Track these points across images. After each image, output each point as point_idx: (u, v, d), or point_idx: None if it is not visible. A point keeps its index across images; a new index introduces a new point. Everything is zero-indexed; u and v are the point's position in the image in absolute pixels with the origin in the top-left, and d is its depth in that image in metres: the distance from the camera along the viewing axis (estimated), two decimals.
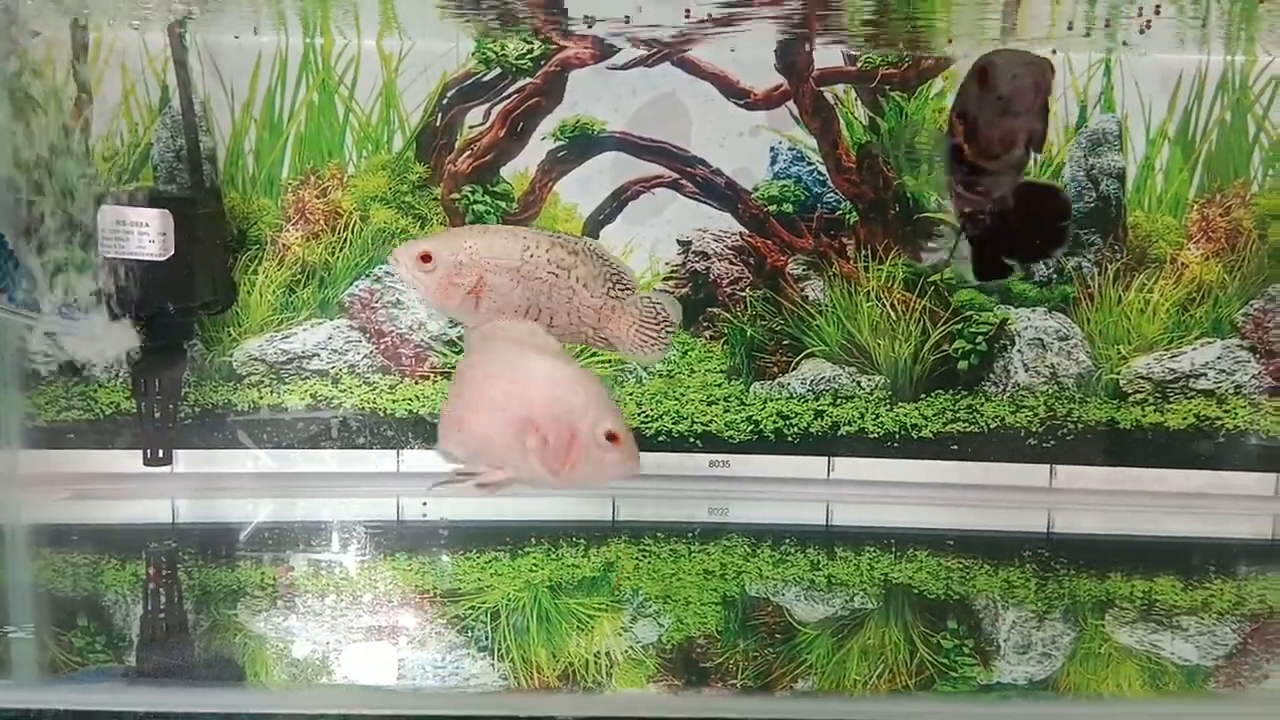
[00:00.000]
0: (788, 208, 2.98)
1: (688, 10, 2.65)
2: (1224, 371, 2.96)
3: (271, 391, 3.00)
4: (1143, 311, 2.96)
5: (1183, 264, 2.94)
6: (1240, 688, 2.02)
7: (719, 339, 3.00)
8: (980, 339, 2.97)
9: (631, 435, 1.75)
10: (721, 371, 3.00)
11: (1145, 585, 2.52)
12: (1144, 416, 2.97)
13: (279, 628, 2.20)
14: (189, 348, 2.92)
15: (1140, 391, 2.97)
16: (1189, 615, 2.32)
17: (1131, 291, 2.95)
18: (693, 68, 2.95)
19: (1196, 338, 2.96)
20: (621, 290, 2.12)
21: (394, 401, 3.01)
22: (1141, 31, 2.71)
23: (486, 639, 2.17)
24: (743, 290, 2.99)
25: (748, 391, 3.00)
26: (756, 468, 3.00)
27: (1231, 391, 2.96)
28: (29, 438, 2.95)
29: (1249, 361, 2.95)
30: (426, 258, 2.06)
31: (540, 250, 2.08)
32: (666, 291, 2.94)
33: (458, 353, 2.99)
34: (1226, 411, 2.96)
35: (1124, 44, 2.84)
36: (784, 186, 2.98)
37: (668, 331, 2.15)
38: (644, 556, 2.63)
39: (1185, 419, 2.97)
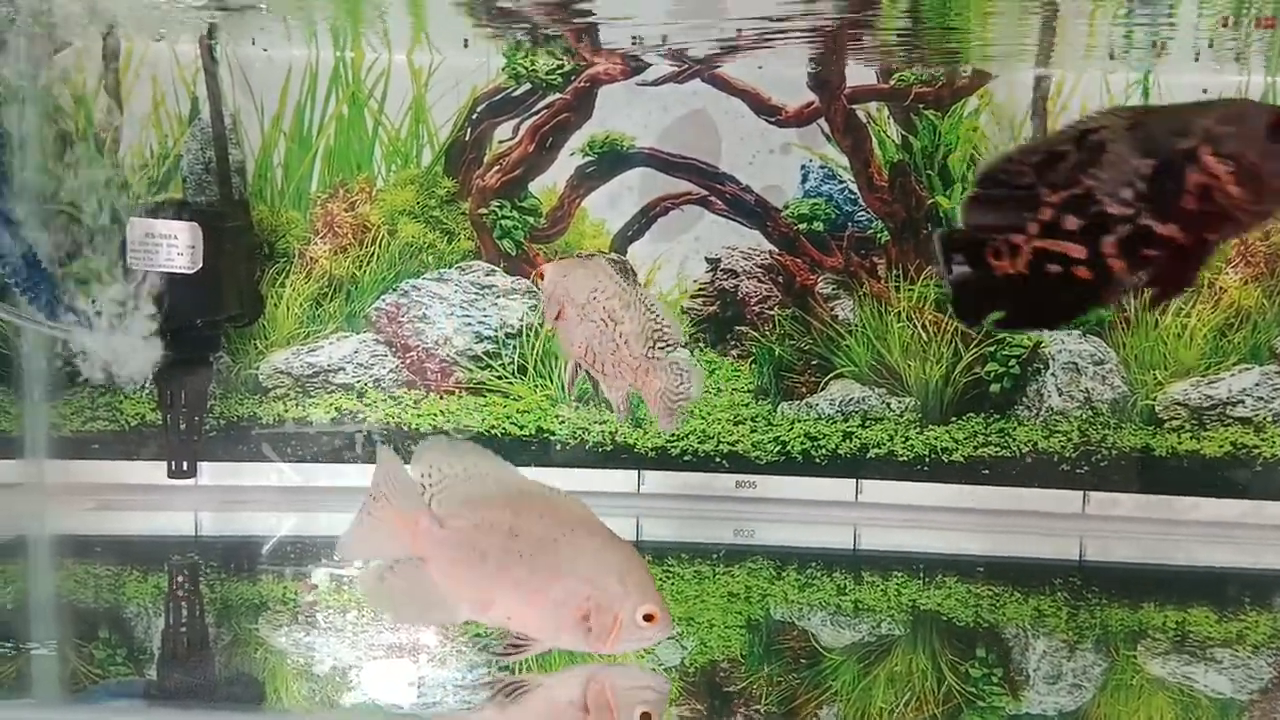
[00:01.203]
0: (818, 226, 2.96)
1: (739, 30, 2.64)
2: (1262, 399, 2.90)
3: (297, 405, 2.99)
4: (1179, 336, 2.91)
5: (1221, 288, 2.90)
6: None
7: (747, 358, 2.98)
8: (1013, 362, 2.94)
9: (664, 606, 1.82)
10: (749, 391, 2.98)
11: (1179, 616, 2.48)
12: (1180, 443, 2.93)
13: (300, 643, 2.18)
14: (215, 360, 2.93)
15: (1176, 418, 2.92)
16: (1223, 647, 2.27)
17: (1168, 316, 2.91)
18: (723, 84, 2.94)
19: (1234, 364, 2.91)
20: (661, 349, 2.14)
21: (419, 416, 3.00)
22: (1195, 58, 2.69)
23: (506, 658, 2.14)
24: (771, 309, 2.97)
25: (775, 412, 2.97)
26: (783, 489, 2.97)
27: (1270, 419, 2.90)
28: (54, 448, 2.95)
29: None
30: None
31: (601, 295, 2.16)
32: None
33: (483, 368, 2.98)
34: (1264, 439, 2.91)
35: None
36: (814, 204, 2.95)
37: (685, 402, 2.19)
38: (668, 577, 2.61)
39: (1222, 446, 2.92)
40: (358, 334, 3.00)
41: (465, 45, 2.90)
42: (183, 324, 2.73)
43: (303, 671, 2.09)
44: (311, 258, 2.97)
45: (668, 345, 2.16)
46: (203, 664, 2.15)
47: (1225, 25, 2.51)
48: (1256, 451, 2.92)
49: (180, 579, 2.60)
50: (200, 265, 2.69)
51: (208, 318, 2.80)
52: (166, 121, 2.93)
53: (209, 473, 2.95)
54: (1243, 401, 2.91)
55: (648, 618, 1.78)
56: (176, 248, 2.68)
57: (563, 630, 1.81)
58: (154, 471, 2.91)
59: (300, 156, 2.96)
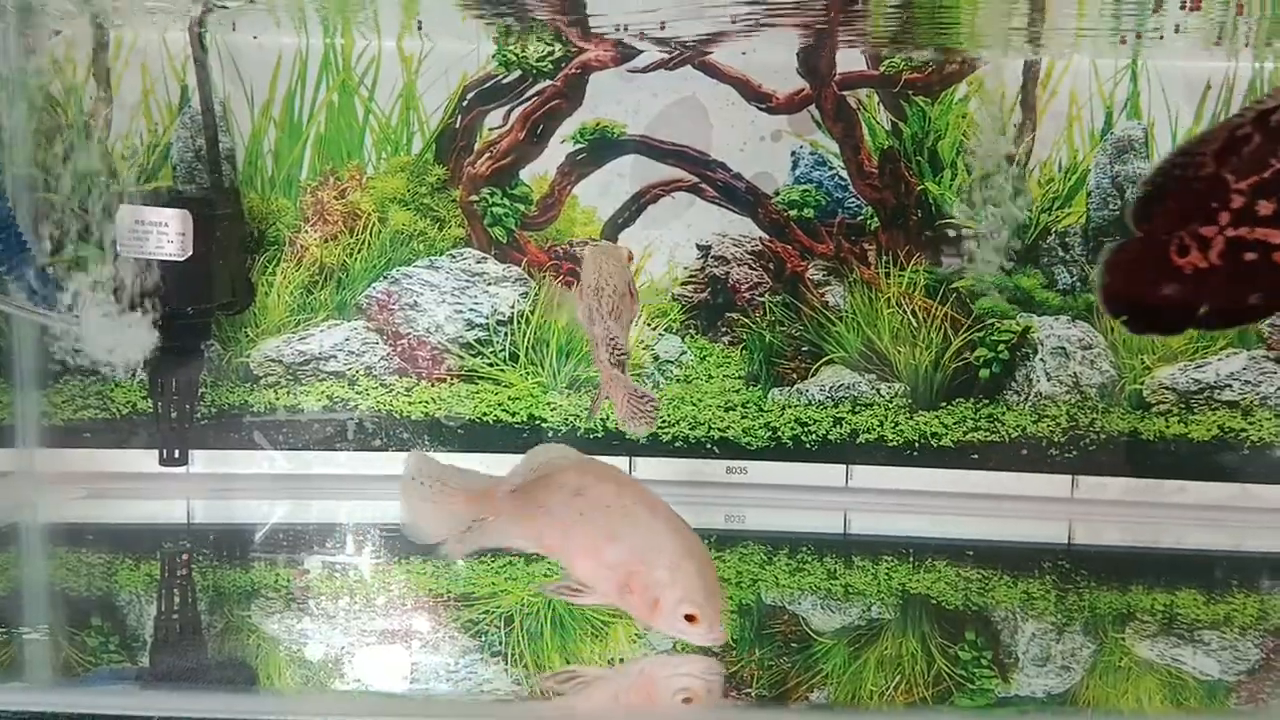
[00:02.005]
0: (808, 213, 2.96)
1: (734, 18, 2.64)
2: (1249, 383, 2.92)
3: (288, 393, 2.99)
4: None
5: None
6: (1263, 704, 1.99)
7: (737, 344, 2.99)
8: (1002, 347, 2.95)
9: (716, 614, 1.84)
10: (740, 377, 2.99)
11: (1167, 598, 2.49)
12: (1167, 427, 2.94)
13: (293, 630, 2.19)
14: (206, 348, 2.92)
15: (1164, 402, 2.94)
16: (1211, 630, 2.29)
17: None
18: (714, 71, 2.94)
19: (1222, 348, 2.93)
20: (617, 361, 2.15)
21: (410, 404, 3.00)
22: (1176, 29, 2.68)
23: (500, 644, 2.15)
24: (762, 295, 2.97)
25: (766, 398, 2.98)
26: (774, 475, 2.98)
27: (1257, 403, 2.92)
28: (46, 436, 2.95)
29: (1275, 373, 2.92)
30: None
31: (588, 292, 2.18)
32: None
33: (475, 355, 2.99)
34: (1251, 423, 2.92)
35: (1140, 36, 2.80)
36: (805, 191, 2.96)
37: (652, 406, 2.24)
38: None
39: (1209, 430, 2.93)
40: (349, 322, 3.00)
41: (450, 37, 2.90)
42: (173, 312, 2.73)
43: (295, 657, 2.09)
44: (302, 245, 2.97)
45: (619, 362, 2.16)
46: (195, 650, 2.15)
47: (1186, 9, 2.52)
48: (1244, 435, 2.93)
49: (172, 566, 2.60)
50: (190, 253, 2.68)
51: (198, 306, 2.80)
52: (156, 109, 2.92)
53: (201, 460, 2.95)
54: (1230, 385, 2.93)
55: (688, 618, 1.82)
56: (166, 235, 2.67)
57: (608, 592, 1.88)
58: (145, 460, 2.91)
59: (290, 144, 2.96)
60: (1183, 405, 2.94)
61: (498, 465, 2.94)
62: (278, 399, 2.99)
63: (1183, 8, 2.50)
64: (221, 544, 2.77)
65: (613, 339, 2.18)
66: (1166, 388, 2.94)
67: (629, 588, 1.84)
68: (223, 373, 2.97)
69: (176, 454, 2.89)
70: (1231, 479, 2.93)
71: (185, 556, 2.65)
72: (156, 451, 2.89)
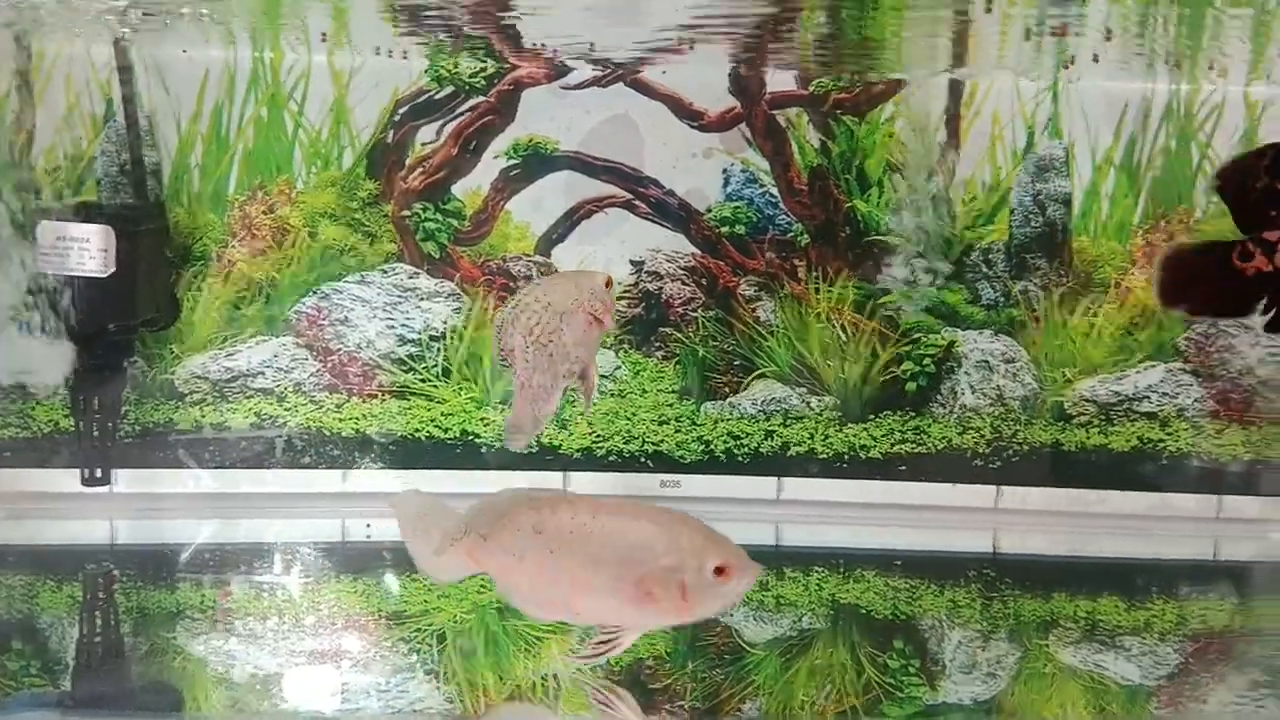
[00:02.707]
0: (740, 229, 2.99)
1: (679, 40, 2.67)
2: (1167, 395, 3.00)
3: (214, 410, 2.95)
4: (1087, 335, 2.99)
5: (1127, 289, 2.99)
6: (1182, 708, 2.04)
7: (671, 359, 3.00)
8: (928, 361, 3.00)
9: (740, 553, 1.74)
10: (673, 391, 3.00)
11: (1089, 605, 2.54)
12: (1088, 439, 3.01)
13: (220, 652, 2.16)
14: (129, 365, 2.88)
15: (1085, 414, 3.01)
16: (1132, 635, 2.34)
17: (1076, 315, 2.99)
18: (646, 89, 2.96)
19: (1140, 361, 3.00)
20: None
21: (341, 420, 2.97)
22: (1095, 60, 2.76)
23: (433, 662, 2.14)
24: (695, 311, 3.00)
25: (699, 411, 3.00)
26: (707, 488, 3.00)
27: (1174, 415, 3.00)
28: None
29: (1192, 385, 3.00)
30: None
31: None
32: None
33: (407, 371, 2.97)
34: (1169, 434, 3.00)
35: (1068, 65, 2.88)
36: (736, 208, 2.99)
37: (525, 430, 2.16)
38: None
39: (1129, 441, 3.00)
40: (277, 338, 2.97)
41: (382, 52, 2.89)
42: (95, 329, 2.68)
43: (222, 679, 2.06)
44: (229, 260, 2.94)
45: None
46: (119, 673, 2.11)
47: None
48: (1162, 446, 3.01)
49: (95, 588, 2.55)
50: (113, 269, 2.64)
51: (121, 322, 2.76)
52: (81, 123, 2.87)
53: (125, 480, 2.89)
54: (1148, 397, 3.00)
55: (719, 571, 1.71)
56: (88, 251, 2.63)
57: (633, 611, 1.75)
58: (67, 479, 2.85)
59: (218, 158, 2.93)
60: (1103, 417, 3.01)
61: (430, 482, 2.95)
62: (204, 416, 2.95)
63: (1107, 39, 2.58)
64: (146, 565, 2.72)
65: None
66: (1087, 400, 3.01)
67: (649, 595, 1.72)
68: (147, 390, 2.92)
69: (99, 473, 2.83)
70: (1150, 488, 2.99)
71: (108, 578, 2.60)
72: (78, 471, 2.83)
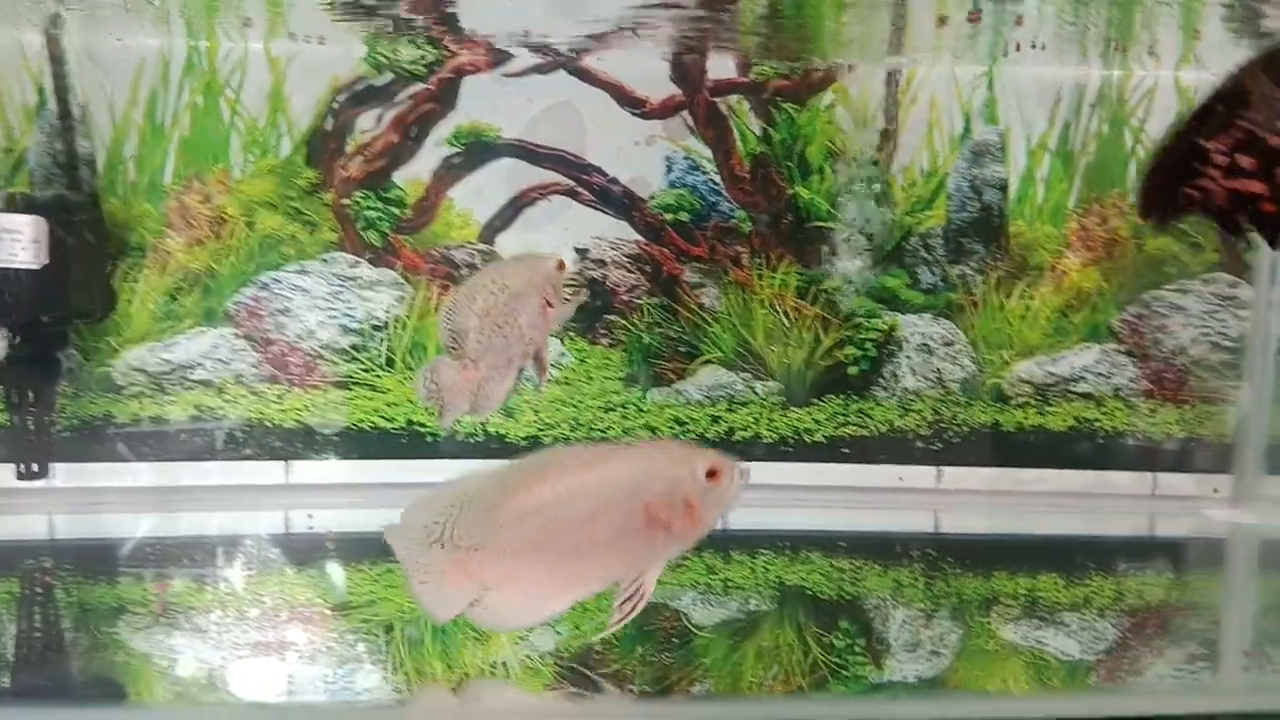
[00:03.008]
0: (683, 216, 3.00)
1: (620, 27, 2.67)
2: (1102, 375, 3.06)
3: (153, 402, 2.91)
4: (1024, 317, 3.04)
5: (1062, 271, 3.04)
6: (1120, 681, 2.09)
7: (616, 346, 3.01)
8: (870, 345, 3.03)
9: (717, 452, 1.68)
10: (619, 378, 3.01)
11: (1029, 583, 2.58)
12: (1026, 419, 3.06)
13: (162, 646, 2.13)
14: (65, 358, 2.83)
15: (1022, 395, 3.06)
16: (1071, 611, 2.38)
17: (1013, 298, 3.04)
18: (587, 76, 2.96)
19: (1075, 343, 3.06)
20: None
21: (282, 412, 2.95)
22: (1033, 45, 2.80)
23: (380, 652, 2.13)
24: (639, 298, 3.00)
25: (645, 398, 3.01)
26: None
27: (1109, 394, 3.06)
28: None
29: (1126, 365, 3.06)
30: None
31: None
32: None
33: (349, 361, 2.95)
34: (1104, 414, 3.06)
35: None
36: (680, 195, 3.00)
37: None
38: None
39: (1065, 421, 3.06)
40: (216, 329, 2.94)
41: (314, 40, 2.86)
42: (28, 321, 2.64)
43: (165, 673, 2.04)
44: (166, 251, 2.90)
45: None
46: (59, 669, 2.08)
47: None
48: (1098, 425, 3.07)
49: (33, 584, 2.51)
50: (46, 260, 2.59)
51: (55, 314, 2.71)
52: (12, 113, 2.81)
53: (63, 474, 2.84)
54: (1084, 378, 3.06)
55: (711, 475, 1.66)
56: (20, 242, 2.58)
57: (648, 549, 1.69)
58: (3, 474, 2.79)
59: (153, 148, 2.88)
60: (1040, 397, 3.06)
61: (374, 472, 2.94)
62: (142, 409, 2.91)
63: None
64: (85, 560, 2.68)
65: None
66: (1024, 381, 3.06)
67: (658, 522, 1.66)
68: (84, 383, 2.87)
69: (35, 468, 2.78)
70: (1087, 467, 3.06)
71: (47, 573, 2.55)
72: (14, 465, 2.78)
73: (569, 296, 2.20)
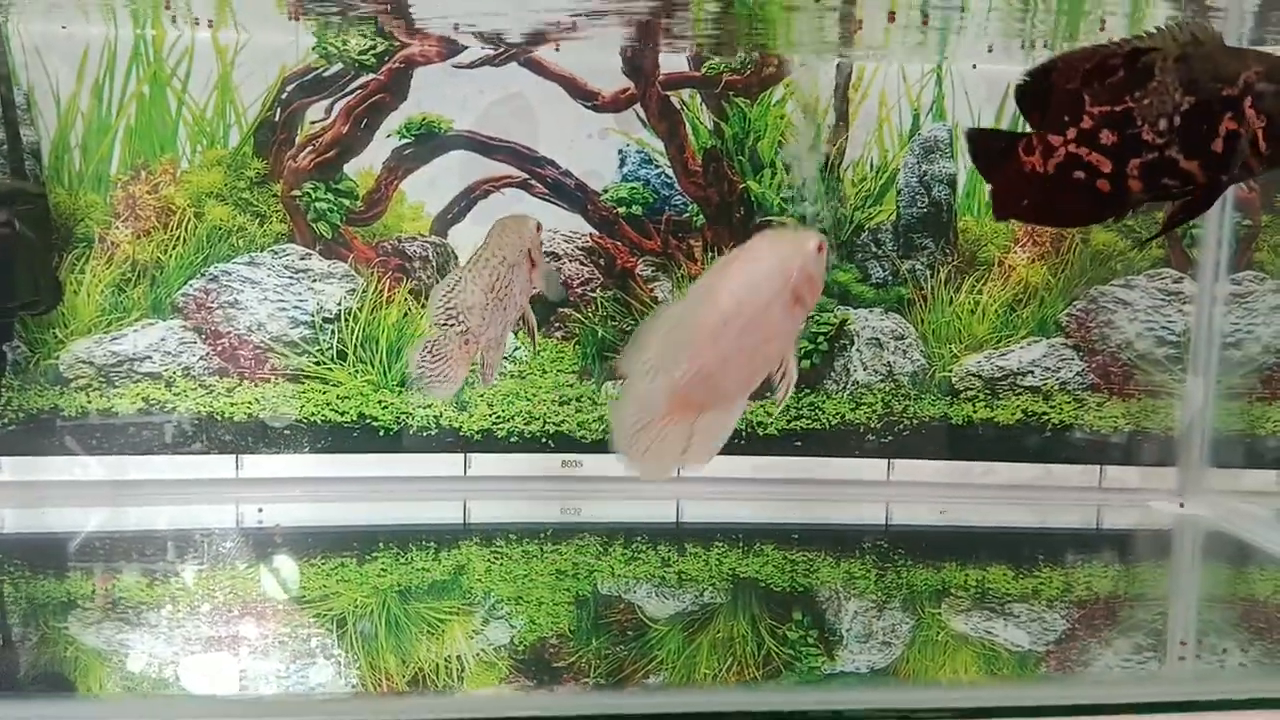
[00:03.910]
0: (636, 210, 3.01)
1: (572, 19, 2.66)
2: (1049, 369, 3.10)
3: (101, 395, 2.87)
4: (973, 312, 3.08)
5: (1010, 266, 3.08)
6: (1069, 671, 2.12)
7: (570, 339, 3.01)
8: (821, 339, 3.05)
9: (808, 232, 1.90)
10: (573, 371, 3.01)
11: (978, 574, 2.62)
12: (975, 412, 3.10)
13: (112, 641, 2.11)
14: (10, 350, 2.78)
15: (971, 388, 3.10)
16: (1020, 603, 2.42)
17: (962, 293, 3.07)
18: (540, 68, 2.95)
19: (1023, 337, 3.10)
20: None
21: (232, 405, 2.92)
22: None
23: (333, 647, 2.12)
24: (593, 291, 3.00)
25: (599, 391, 3.02)
26: (609, 467, 3.00)
27: (1057, 388, 3.10)
28: None
29: (1073, 359, 3.11)
30: None
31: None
32: None
33: (300, 354, 2.92)
34: (1052, 407, 3.11)
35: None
36: (633, 189, 3.00)
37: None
38: (496, 558, 2.62)
39: (1014, 414, 3.10)
40: (164, 321, 2.90)
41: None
42: None
43: (115, 668, 2.02)
44: (113, 242, 2.85)
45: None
46: (5, 663, 2.05)
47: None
48: (1045, 418, 3.12)
49: None
50: None
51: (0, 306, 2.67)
52: None
53: (9, 468, 2.80)
54: (1032, 372, 3.11)
55: (819, 249, 1.85)
56: None
57: (792, 332, 1.90)
58: None
59: (99, 137, 2.84)
60: (989, 391, 3.10)
61: (326, 466, 2.92)
62: (90, 402, 2.87)
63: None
64: (33, 554, 2.64)
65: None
66: (974, 375, 3.10)
67: (799, 302, 1.84)
68: (30, 376, 2.83)
69: None
70: (1035, 460, 3.11)
71: None
72: None
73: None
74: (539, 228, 2.25)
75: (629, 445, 1.90)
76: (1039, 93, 1.89)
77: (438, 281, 2.83)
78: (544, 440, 3.01)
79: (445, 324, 2.18)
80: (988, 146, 2.00)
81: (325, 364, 2.94)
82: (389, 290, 2.94)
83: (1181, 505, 3.05)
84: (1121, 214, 1.90)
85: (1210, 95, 1.75)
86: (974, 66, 3.02)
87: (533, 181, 2.97)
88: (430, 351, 2.19)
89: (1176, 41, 1.79)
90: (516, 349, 2.98)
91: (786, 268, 1.84)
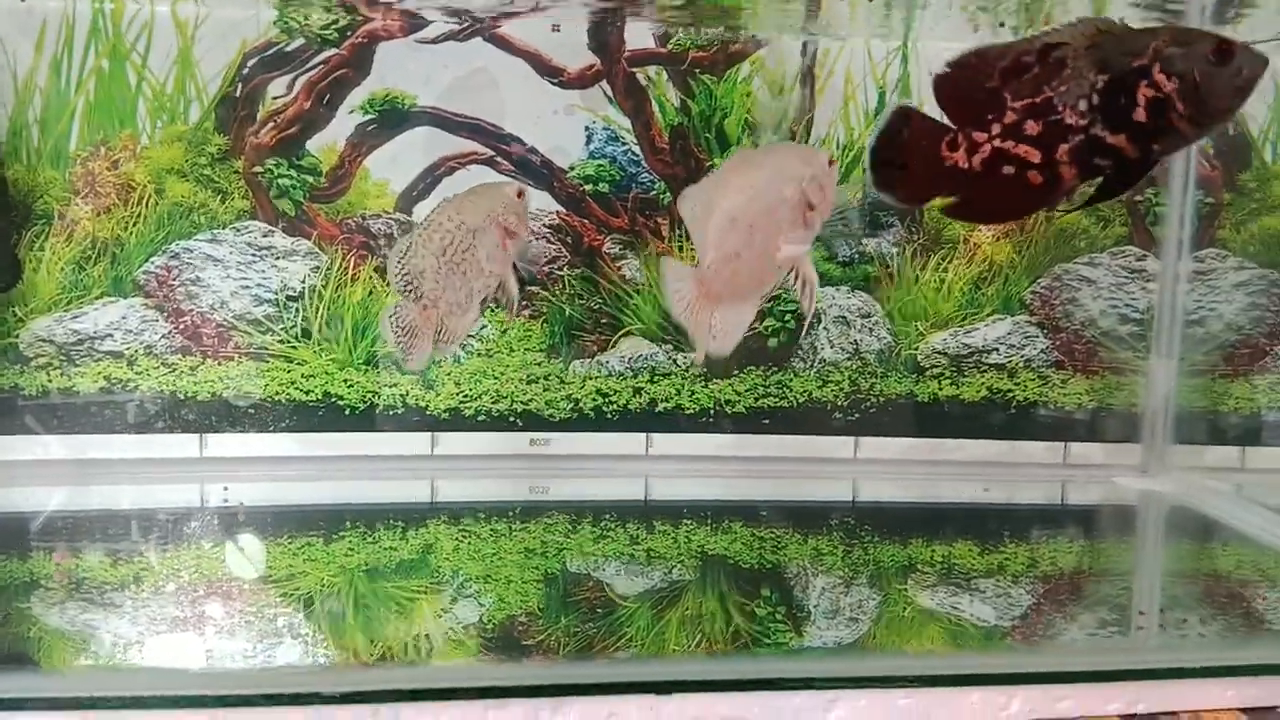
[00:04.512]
0: (603, 187, 2.99)
1: None
2: (1014, 347, 3.13)
3: (61, 374, 2.83)
4: (938, 290, 3.09)
5: (975, 244, 3.09)
6: (1034, 645, 2.14)
7: (538, 318, 3.00)
8: (789, 317, 3.06)
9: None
10: (541, 350, 3.00)
11: (945, 550, 2.64)
12: (941, 390, 3.12)
13: (75, 620, 2.08)
14: None
15: (937, 366, 3.11)
16: (986, 578, 2.44)
17: (928, 271, 3.09)
18: (504, 44, 2.92)
19: (988, 314, 3.12)
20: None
21: (195, 383, 2.89)
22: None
23: (299, 626, 2.11)
24: (561, 269, 2.99)
25: (567, 370, 3.01)
26: (577, 445, 3.01)
27: (1021, 365, 3.13)
28: None
29: (1038, 337, 3.13)
30: None
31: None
32: None
33: (264, 332, 2.90)
34: (1017, 384, 3.13)
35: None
36: (599, 166, 2.99)
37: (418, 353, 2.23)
38: (464, 537, 2.61)
39: (979, 392, 3.12)
40: (125, 299, 2.86)
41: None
42: None
43: (79, 647, 2.00)
44: (73, 219, 2.81)
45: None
46: None
47: None
48: (1010, 395, 3.14)
49: None
50: None
51: None
52: None
53: None
54: (997, 349, 3.13)
55: (830, 162, 1.97)
56: None
57: (805, 236, 1.98)
58: None
59: (58, 113, 2.79)
60: (954, 369, 3.12)
61: (290, 445, 2.90)
62: (50, 381, 2.83)
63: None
64: None
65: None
66: (939, 352, 3.11)
67: (809, 207, 1.95)
68: None
69: None
70: (1000, 437, 3.13)
71: None
72: None
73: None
74: (521, 194, 2.21)
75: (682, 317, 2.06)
76: (957, 86, 1.90)
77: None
78: (511, 419, 3.00)
79: (403, 290, 2.16)
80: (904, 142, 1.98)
81: (290, 342, 2.91)
82: (354, 268, 2.91)
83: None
84: (1055, 203, 1.91)
85: (1123, 68, 1.79)
86: (937, 45, 3.02)
87: (498, 158, 2.95)
88: (394, 318, 2.18)
89: (1084, 35, 1.83)
90: (484, 327, 2.97)
91: (796, 174, 1.94)
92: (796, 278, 2.04)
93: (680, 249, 3.02)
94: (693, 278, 2.04)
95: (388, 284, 2.18)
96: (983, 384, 3.13)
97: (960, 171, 1.89)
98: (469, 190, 2.26)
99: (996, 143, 1.86)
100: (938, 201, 1.94)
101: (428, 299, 2.16)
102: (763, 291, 2.08)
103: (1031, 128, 1.83)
